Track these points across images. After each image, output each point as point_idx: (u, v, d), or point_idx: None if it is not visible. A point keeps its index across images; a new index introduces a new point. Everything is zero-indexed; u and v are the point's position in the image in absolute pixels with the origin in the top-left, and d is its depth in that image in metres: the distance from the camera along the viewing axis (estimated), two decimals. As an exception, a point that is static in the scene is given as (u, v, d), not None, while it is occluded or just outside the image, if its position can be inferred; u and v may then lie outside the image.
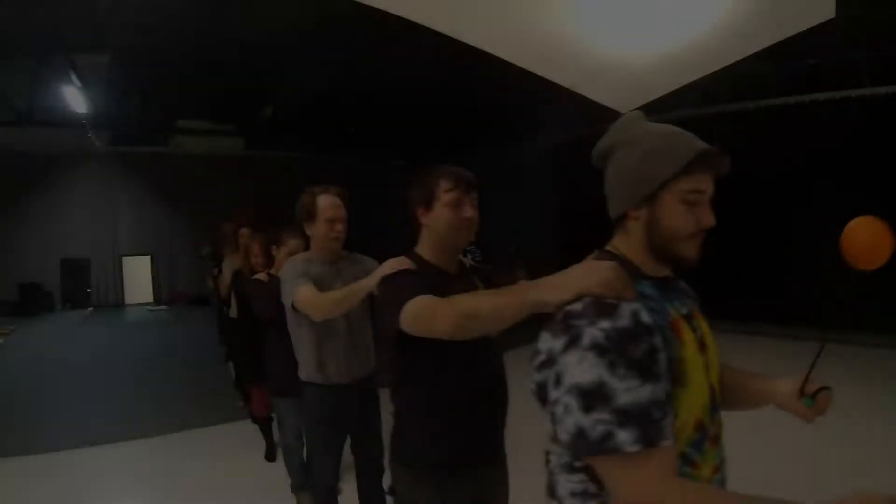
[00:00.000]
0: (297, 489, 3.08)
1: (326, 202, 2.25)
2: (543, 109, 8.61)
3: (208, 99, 10.50)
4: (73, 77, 7.92)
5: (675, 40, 3.25)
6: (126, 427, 4.50)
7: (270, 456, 3.81)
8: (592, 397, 0.80)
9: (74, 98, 8.36)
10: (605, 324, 0.82)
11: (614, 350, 0.80)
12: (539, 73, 3.73)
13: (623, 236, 1.00)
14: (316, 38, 7.55)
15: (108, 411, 5.02)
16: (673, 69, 3.68)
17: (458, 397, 1.50)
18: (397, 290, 1.38)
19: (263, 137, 12.27)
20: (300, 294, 2.07)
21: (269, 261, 3.43)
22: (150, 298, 11.41)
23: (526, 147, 10.89)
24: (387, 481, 2.50)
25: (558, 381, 0.85)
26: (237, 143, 12.37)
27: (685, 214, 0.92)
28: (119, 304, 11.32)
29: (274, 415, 3.50)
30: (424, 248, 1.57)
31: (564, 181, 9.81)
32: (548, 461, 0.99)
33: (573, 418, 0.82)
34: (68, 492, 3.45)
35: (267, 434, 3.81)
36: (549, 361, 0.88)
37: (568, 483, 0.92)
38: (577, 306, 0.87)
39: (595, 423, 0.79)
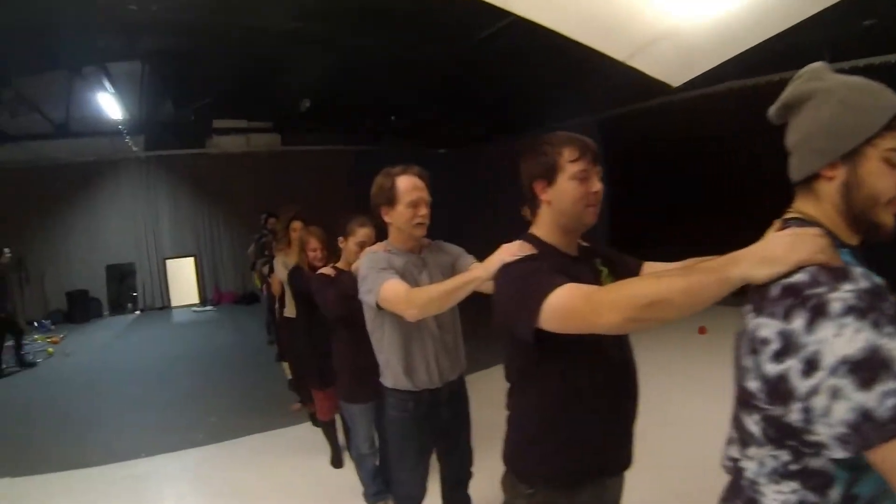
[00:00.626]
0: (372, 498, 2.86)
1: (408, 184, 2.00)
2: (590, 83, 8.15)
3: (243, 96, 10.24)
4: (107, 84, 7.78)
5: (728, 7, 2.87)
6: (182, 435, 4.32)
7: (337, 462, 3.58)
8: (870, 368, 0.68)
9: (110, 105, 8.23)
10: (848, 286, 0.73)
11: (874, 309, 0.70)
12: (588, 43, 3.36)
13: (811, 199, 0.90)
14: (352, 26, 7.25)
15: (163, 419, 4.88)
16: (725, 37, 3.29)
17: (595, 398, 1.28)
18: (528, 280, 1.18)
19: (301, 132, 12.14)
20: (388, 290, 1.80)
21: (330, 254, 3.17)
22: (195, 300, 11.41)
23: (570, 125, 10.41)
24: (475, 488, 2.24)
25: (812, 366, 0.72)
26: (274, 139, 12.22)
27: (888, 175, 0.83)
28: (165, 307, 11.31)
29: (341, 419, 3.28)
30: (543, 229, 1.37)
31: (611, 157, 9.40)
32: (740, 471, 0.87)
33: (849, 401, 0.69)
34: (128, 504, 3.31)
35: (332, 439, 3.58)
36: (790, 347, 0.75)
37: (778, 495, 0.81)
38: (802, 277, 0.77)
39: (882, 396, 0.67)
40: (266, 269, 5.70)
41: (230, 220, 11.95)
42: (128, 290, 11.20)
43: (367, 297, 1.89)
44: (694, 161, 7.86)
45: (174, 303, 11.37)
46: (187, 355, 7.56)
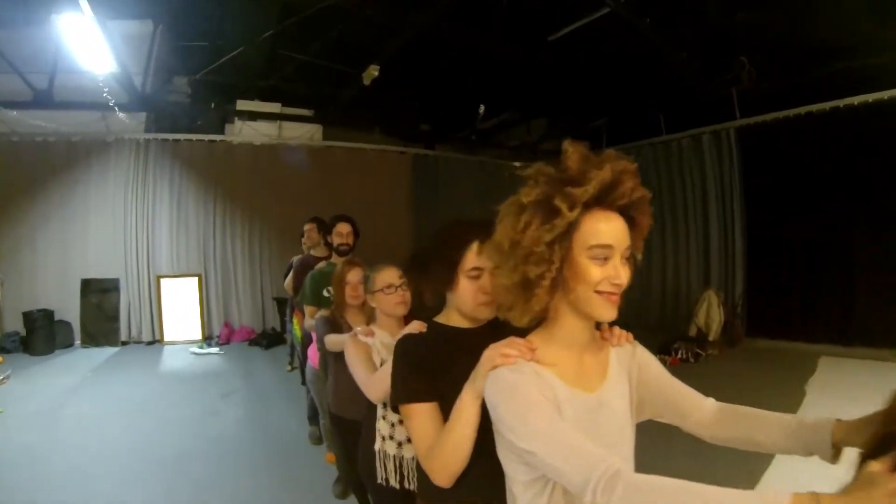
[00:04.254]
0: None
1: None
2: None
3: (277, 74, 8.23)
4: (107, 46, 5.81)
5: None
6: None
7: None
8: None
9: (105, 73, 6.56)
10: None
11: None
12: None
13: None
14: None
15: None
16: None
17: None
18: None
19: (348, 123, 9.52)
20: None
21: None
22: (196, 335, 8.50)
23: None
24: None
25: None
26: (313, 131, 9.52)
27: None
28: (155, 341, 8.48)
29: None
30: None
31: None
32: None
33: None
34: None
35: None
36: None
37: None
38: None
39: None
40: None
41: (251, 232, 9.20)
42: (107, 316, 8.38)
43: None
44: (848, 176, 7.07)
45: (168, 337, 8.49)
46: (177, 432, 4.71)
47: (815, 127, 7.19)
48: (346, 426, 2.67)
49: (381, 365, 2.07)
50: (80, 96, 7.78)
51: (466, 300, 1.41)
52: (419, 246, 1.78)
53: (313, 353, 3.62)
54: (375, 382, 1.95)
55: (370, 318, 2.49)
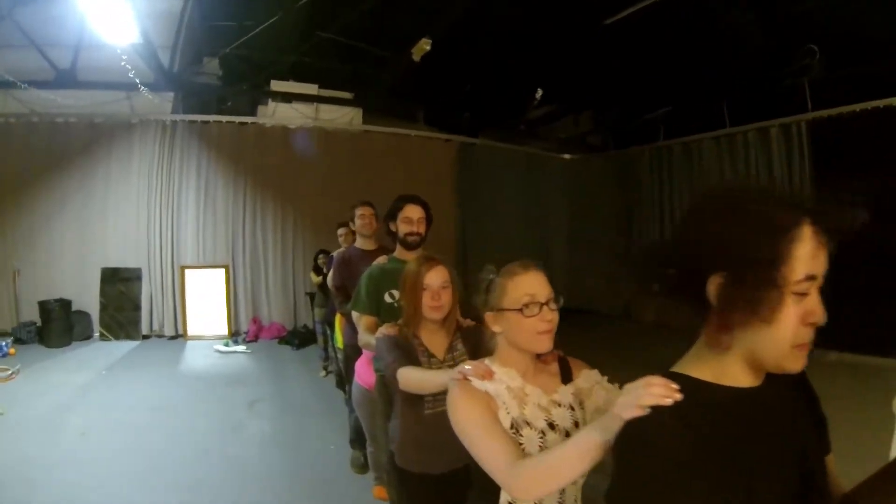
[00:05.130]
0: None
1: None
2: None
3: (315, 55, 7.68)
4: (132, 23, 5.38)
5: None
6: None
7: None
8: None
9: (131, 51, 6.19)
10: None
11: None
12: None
13: None
14: None
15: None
16: None
17: None
18: None
19: (390, 108, 8.91)
20: None
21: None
22: (222, 330, 7.86)
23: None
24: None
25: None
26: (353, 115, 8.80)
27: None
28: (178, 336, 7.87)
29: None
30: None
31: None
32: None
33: None
34: None
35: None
36: None
37: None
38: None
39: None
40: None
41: (283, 221, 8.54)
42: (128, 308, 7.79)
43: None
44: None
45: (192, 332, 7.87)
46: (193, 451, 3.99)
47: (893, 121, 6.46)
48: (414, 481, 1.91)
49: (513, 427, 1.25)
50: (103, 75, 7.31)
51: (786, 334, 0.80)
52: (673, 234, 0.92)
53: (363, 368, 2.87)
54: (538, 473, 1.09)
55: (475, 345, 1.76)
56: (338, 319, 4.13)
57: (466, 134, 10.01)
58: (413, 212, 2.68)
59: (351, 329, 3.27)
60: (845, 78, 6.63)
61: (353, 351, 3.17)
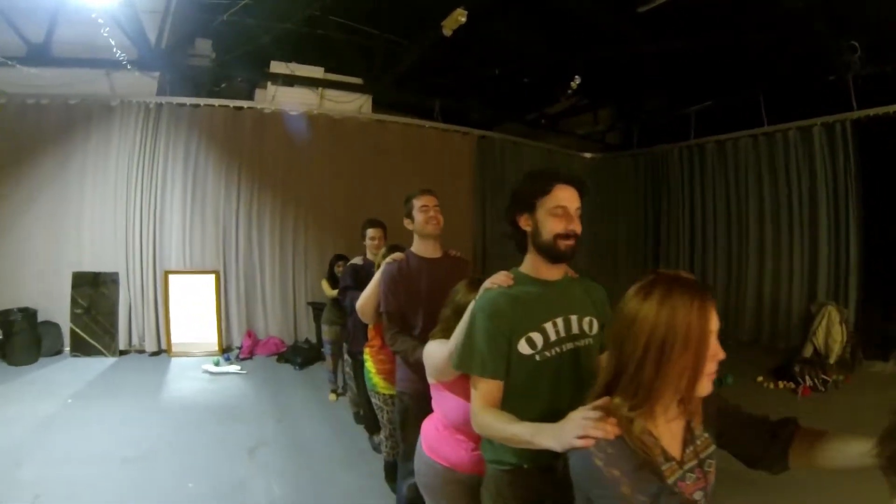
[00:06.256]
0: None
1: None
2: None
3: (320, 32, 6.83)
4: None
5: None
6: None
7: None
8: None
9: (113, 24, 5.64)
10: None
11: None
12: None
13: None
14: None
15: None
16: None
17: None
18: None
19: (402, 96, 8.25)
20: None
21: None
22: (212, 346, 6.87)
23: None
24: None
25: None
26: (362, 102, 7.93)
27: None
28: (160, 351, 6.89)
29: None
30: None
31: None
32: None
33: None
34: None
35: None
36: None
37: None
38: None
39: None
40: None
41: (282, 220, 7.58)
42: (103, 319, 6.75)
43: None
44: None
45: (176, 347, 6.85)
46: (200, 466, 3.04)
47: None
48: None
49: None
50: (81, 52, 6.65)
51: None
52: None
53: (440, 437, 1.95)
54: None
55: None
56: (369, 353, 3.12)
57: (485, 127, 9.21)
58: (567, 197, 1.64)
59: (413, 372, 2.32)
60: (892, 75, 6.41)
61: (417, 402, 2.23)
